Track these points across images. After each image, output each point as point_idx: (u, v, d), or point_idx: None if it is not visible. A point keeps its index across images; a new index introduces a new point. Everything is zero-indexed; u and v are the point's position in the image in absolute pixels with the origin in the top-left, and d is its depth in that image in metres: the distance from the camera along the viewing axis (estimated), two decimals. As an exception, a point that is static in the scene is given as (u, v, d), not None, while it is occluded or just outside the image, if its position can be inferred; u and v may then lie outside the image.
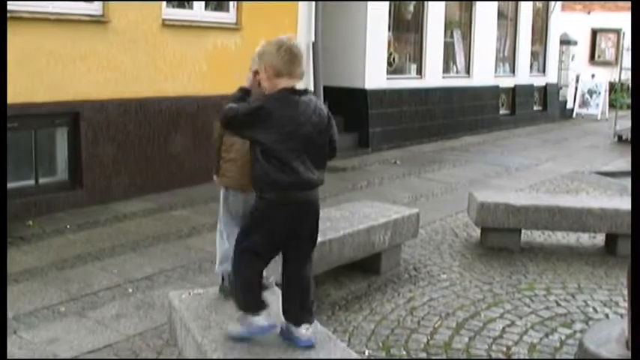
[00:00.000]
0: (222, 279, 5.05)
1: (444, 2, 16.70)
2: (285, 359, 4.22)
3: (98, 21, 9.09)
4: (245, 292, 4.36)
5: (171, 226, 8.49)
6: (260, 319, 4.34)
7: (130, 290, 6.47)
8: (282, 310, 4.43)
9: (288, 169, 4.15)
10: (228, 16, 11.06)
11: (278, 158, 4.14)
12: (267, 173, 4.16)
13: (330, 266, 6.22)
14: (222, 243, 5.05)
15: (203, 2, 10.68)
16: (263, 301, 4.39)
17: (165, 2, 10.04)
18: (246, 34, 11.07)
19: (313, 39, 12.59)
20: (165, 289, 6.20)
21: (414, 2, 16.11)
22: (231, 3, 11.03)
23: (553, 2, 22.53)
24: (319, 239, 5.89)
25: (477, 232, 8.35)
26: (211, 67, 10.62)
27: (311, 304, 4.46)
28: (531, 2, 21.26)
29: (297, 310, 4.40)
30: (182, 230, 8.33)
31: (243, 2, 11.04)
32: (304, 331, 4.36)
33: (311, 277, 4.53)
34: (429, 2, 16.14)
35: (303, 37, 12.39)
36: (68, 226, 8.13)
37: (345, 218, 6.70)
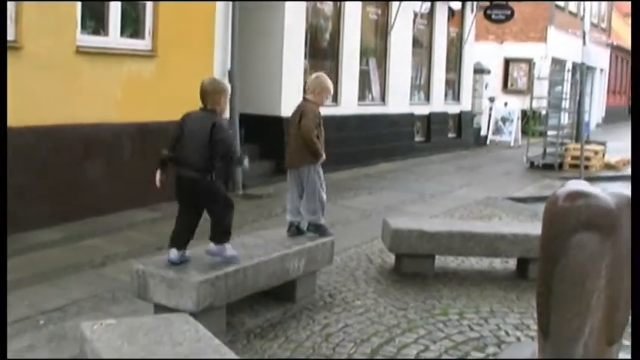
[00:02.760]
0: (291, 226, 7.25)
1: (359, 31, 16.88)
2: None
3: (11, 47, 8.94)
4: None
5: (84, 255, 8.36)
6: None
7: (42, 322, 6.34)
8: None
9: None
10: (143, 44, 11.00)
11: None
12: None
13: (244, 294, 6.19)
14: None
15: (119, 29, 10.59)
16: None
17: (79, 28, 9.93)
18: (161, 61, 11.04)
19: (229, 67, 12.58)
20: (78, 320, 6.09)
21: (330, 31, 16.26)
22: (146, 30, 10.97)
23: (467, 31, 22.99)
24: (233, 268, 5.97)
25: (391, 259, 8.41)
26: (126, 95, 10.54)
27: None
28: (445, 31, 21.64)
29: None
30: (95, 259, 8.21)
31: (159, 29, 10.99)
32: None
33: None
34: (345, 30, 16.30)
35: (219, 64, 12.39)
36: (-23, 257, 7.93)
37: (259, 246, 6.69)
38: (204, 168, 5.97)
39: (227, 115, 12.22)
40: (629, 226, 4.75)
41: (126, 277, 6.55)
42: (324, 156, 7.26)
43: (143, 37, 11.01)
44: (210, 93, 6.19)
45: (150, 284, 5.82)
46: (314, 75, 7.76)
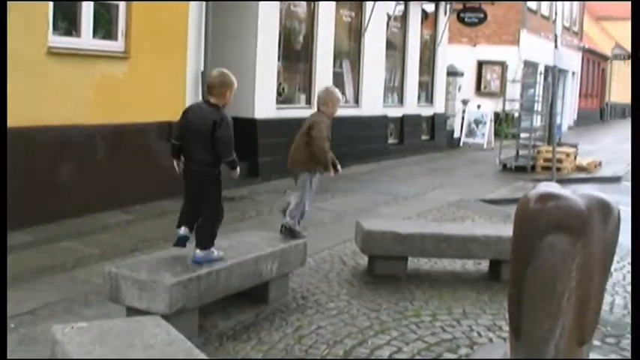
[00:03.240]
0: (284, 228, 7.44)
1: (333, 33, 16.89)
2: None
3: (-20, 49, 8.87)
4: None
5: (56, 258, 8.30)
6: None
7: (13, 325, 6.27)
8: None
9: None
10: (116, 45, 10.94)
11: None
12: None
13: (217, 296, 6.19)
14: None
15: (91, 30, 10.52)
16: None
17: (51, 29, 9.86)
18: (134, 62, 10.99)
19: (202, 68, 12.55)
20: (49, 323, 6.04)
21: (303, 33, 16.26)
22: (119, 31, 10.91)
23: (440, 34, 23.09)
24: (206, 270, 5.96)
25: (364, 260, 8.43)
26: (99, 96, 10.48)
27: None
28: (419, 34, 21.72)
29: None
30: (68, 262, 8.15)
31: (132, 31, 10.94)
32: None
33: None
34: (319, 32, 16.31)
35: (192, 66, 12.36)
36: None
37: (232, 248, 6.68)
38: (211, 162, 6.18)
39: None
40: (599, 227, 4.79)
41: (98, 279, 6.52)
42: (331, 169, 7.74)
43: (116, 39, 10.94)
44: (216, 86, 6.23)
45: (122, 287, 5.80)
46: (324, 87, 8.34)
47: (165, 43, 11.67)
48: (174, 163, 6.41)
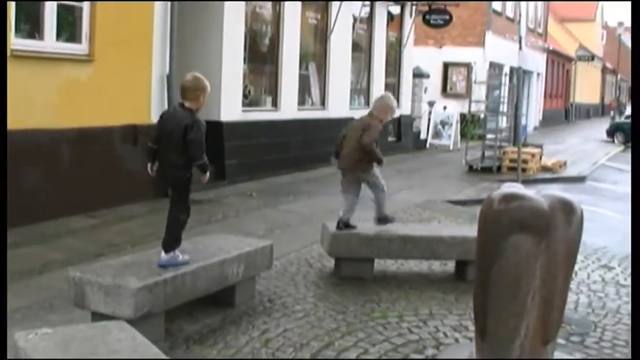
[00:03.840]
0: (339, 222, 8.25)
1: (298, 35, 16.89)
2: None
3: (-59, 52, 8.78)
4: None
5: (21, 263, 8.20)
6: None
7: (-25, 331, 6.22)
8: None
9: None
10: (80, 48, 10.86)
11: None
12: None
13: (183, 300, 6.16)
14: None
15: (54, 33, 10.43)
16: None
17: (13, 32, 9.76)
18: (99, 65, 10.93)
19: (168, 71, 12.49)
20: (14, 330, 5.98)
21: (269, 35, 16.25)
22: (83, 34, 10.84)
23: (406, 36, 23.17)
24: (171, 274, 5.93)
25: (331, 263, 8.44)
26: (63, 100, 10.40)
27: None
28: (385, 36, 21.78)
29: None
30: (32, 267, 8.08)
31: (96, 33, 10.86)
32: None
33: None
34: (285, 34, 16.30)
35: (157, 68, 12.31)
36: None
37: (198, 251, 6.66)
38: (183, 165, 6.26)
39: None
40: (562, 227, 4.83)
41: (63, 285, 6.48)
42: (383, 160, 8.45)
43: (80, 41, 10.86)
44: (190, 89, 6.34)
45: (87, 292, 5.76)
46: (381, 94, 9.34)
47: (130, 46, 11.61)
48: (149, 166, 6.50)
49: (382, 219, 8.49)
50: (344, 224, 8.24)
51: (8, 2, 9.62)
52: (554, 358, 5.23)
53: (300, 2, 16.90)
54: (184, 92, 6.34)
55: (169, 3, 12.43)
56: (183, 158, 6.22)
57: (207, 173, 6.44)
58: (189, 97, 6.32)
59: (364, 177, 8.48)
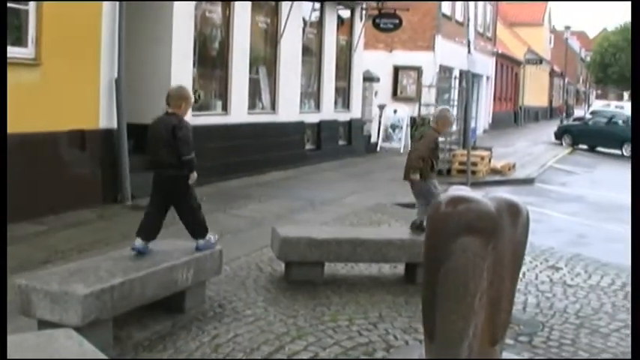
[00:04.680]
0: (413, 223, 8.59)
1: (249, 39, 16.86)
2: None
3: None
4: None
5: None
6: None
7: None
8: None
9: None
10: (26, 52, 10.70)
11: None
12: None
13: (132, 306, 6.10)
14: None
15: (-1, 37, 10.28)
16: None
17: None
18: (46, 70, 10.79)
19: (116, 75, 12.38)
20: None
21: (219, 39, 16.20)
22: (29, 38, 10.69)
23: (356, 40, 23.24)
24: (119, 280, 5.88)
25: (281, 267, 8.42)
26: (8, 105, 10.22)
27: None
28: (335, 40, 21.83)
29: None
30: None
31: (43, 37, 10.72)
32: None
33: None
34: (235, 38, 16.26)
35: (106, 72, 12.19)
36: None
37: (146, 257, 6.62)
38: (176, 164, 6.77)
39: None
40: (509, 228, 4.88)
41: (9, 293, 6.38)
42: (416, 176, 8.48)
43: (26, 45, 10.71)
44: (173, 97, 6.97)
45: (33, 299, 5.68)
46: (440, 107, 9.62)
47: (78, 50, 11.49)
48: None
49: (419, 227, 8.38)
50: (417, 226, 8.44)
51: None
52: (503, 358, 5.28)
53: (249, 5, 16.85)
54: (168, 99, 6.94)
55: (117, 4, 12.29)
56: (175, 158, 6.74)
57: (195, 173, 6.90)
58: (172, 105, 6.91)
59: (424, 185, 8.54)
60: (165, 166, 6.81)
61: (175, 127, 6.74)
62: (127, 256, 6.62)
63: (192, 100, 7.28)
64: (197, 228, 7.10)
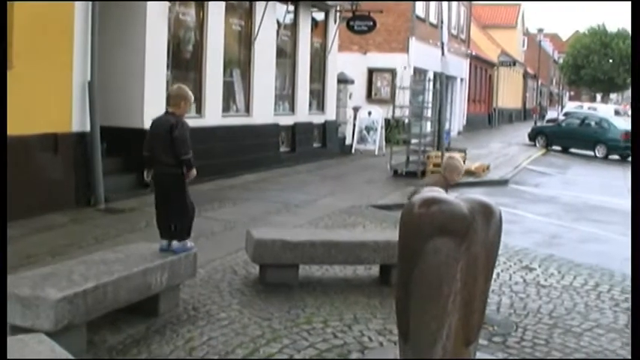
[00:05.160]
0: None
1: (223, 41, 16.82)
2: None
3: None
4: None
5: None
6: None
7: None
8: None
9: None
10: (-3, 55, 10.62)
11: None
12: None
13: (105, 311, 6.07)
14: None
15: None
16: None
17: None
18: (17, 72, 10.68)
19: (89, 78, 12.31)
20: None
21: (193, 41, 16.14)
22: (0, 40, 10.60)
23: (330, 42, 23.26)
24: (92, 284, 5.84)
25: (256, 270, 8.39)
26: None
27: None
28: (309, 42, 21.83)
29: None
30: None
31: (14, 39, 10.63)
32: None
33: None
34: (209, 41, 16.21)
35: (78, 75, 12.12)
36: None
37: (120, 261, 6.57)
38: (173, 163, 6.96)
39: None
40: (482, 229, 4.90)
41: None
42: None
43: (-3, 49, 10.62)
44: (173, 97, 7.16)
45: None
46: (449, 155, 8.88)
47: (50, 53, 11.41)
48: (145, 172, 7.25)
49: None
50: None
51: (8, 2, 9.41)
52: (477, 358, 5.29)
53: (223, 6, 16.81)
54: (168, 99, 7.17)
55: (90, 4, 12.21)
56: (172, 157, 6.92)
57: (194, 170, 7.08)
58: (171, 104, 7.08)
59: None
60: (162, 164, 6.98)
61: (172, 126, 6.88)
62: (99, 260, 6.58)
63: (192, 99, 7.37)
64: (181, 229, 7.12)
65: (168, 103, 7.12)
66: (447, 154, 8.93)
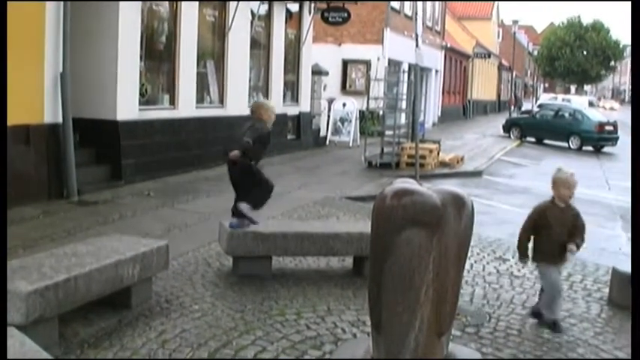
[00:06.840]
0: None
1: (196, 33, 16.74)
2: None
3: None
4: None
5: None
6: None
7: None
8: None
9: None
10: (-33, 46, 10.51)
11: None
12: None
13: (77, 304, 6.02)
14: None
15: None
16: None
17: None
18: (-12, 65, 10.59)
19: (61, 69, 12.22)
20: None
21: (166, 32, 16.05)
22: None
23: (304, 33, 23.22)
24: (63, 277, 5.79)
25: (229, 262, 8.38)
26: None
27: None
28: (283, 33, 21.77)
29: None
30: None
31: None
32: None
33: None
34: (182, 32, 16.13)
35: (50, 67, 12.02)
36: None
37: (91, 253, 6.53)
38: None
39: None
40: (454, 220, 4.90)
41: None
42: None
43: (-35, 40, 10.51)
44: (254, 109, 8.60)
45: (-26, 297, 5.58)
46: (558, 168, 7.46)
47: (21, 44, 11.28)
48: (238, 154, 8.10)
49: (537, 315, 7.22)
50: (534, 314, 7.24)
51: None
52: (450, 349, 5.30)
53: (197, 0, 16.74)
54: (252, 109, 8.63)
55: (62, 2, 12.14)
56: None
57: (237, 152, 8.05)
58: (255, 113, 8.48)
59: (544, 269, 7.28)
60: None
61: (249, 127, 8.19)
62: (71, 253, 6.53)
63: (275, 111, 8.69)
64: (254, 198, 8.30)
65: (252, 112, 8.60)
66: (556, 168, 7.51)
